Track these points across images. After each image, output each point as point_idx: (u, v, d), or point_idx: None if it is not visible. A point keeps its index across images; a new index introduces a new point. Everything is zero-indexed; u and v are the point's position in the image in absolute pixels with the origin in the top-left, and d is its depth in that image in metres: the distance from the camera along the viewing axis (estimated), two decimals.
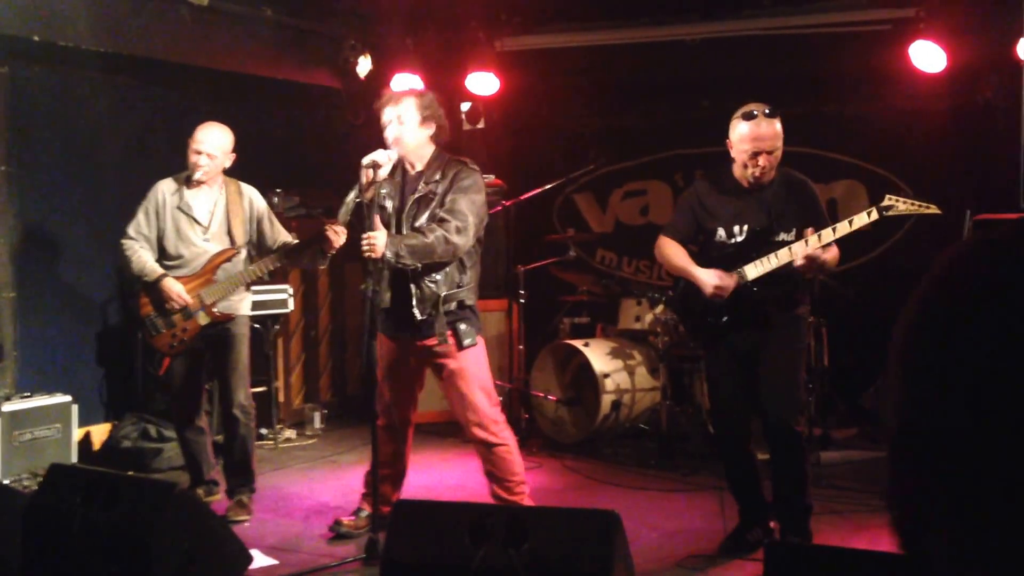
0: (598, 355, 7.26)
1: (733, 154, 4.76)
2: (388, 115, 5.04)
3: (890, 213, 4.60)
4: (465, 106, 8.39)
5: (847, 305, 7.15)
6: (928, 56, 6.62)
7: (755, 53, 7.61)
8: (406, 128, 5.01)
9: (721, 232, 4.84)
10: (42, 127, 6.87)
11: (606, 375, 7.13)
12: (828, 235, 4.58)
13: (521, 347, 7.85)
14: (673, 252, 4.96)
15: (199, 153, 5.55)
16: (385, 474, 5.18)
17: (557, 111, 8.92)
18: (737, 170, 4.79)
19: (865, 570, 2.77)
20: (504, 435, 5.11)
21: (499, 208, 7.32)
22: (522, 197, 7.58)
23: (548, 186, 7.67)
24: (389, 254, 4.77)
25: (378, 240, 4.77)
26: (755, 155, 4.64)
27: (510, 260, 8.13)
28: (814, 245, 4.56)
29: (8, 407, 6.08)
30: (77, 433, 6.51)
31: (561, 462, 6.99)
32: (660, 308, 7.16)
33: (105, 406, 7.31)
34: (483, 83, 7.92)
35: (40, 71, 6.83)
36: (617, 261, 8.90)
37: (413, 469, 5.54)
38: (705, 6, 7.46)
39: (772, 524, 4.93)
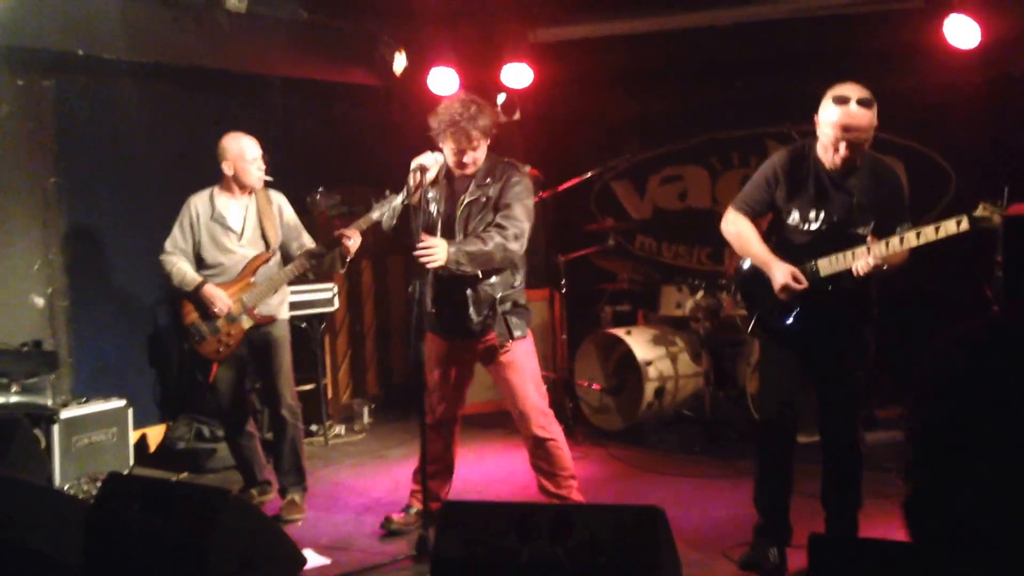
0: (640, 343, 7.31)
1: (818, 133, 4.41)
2: (460, 142, 4.94)
3: (983, 225, 4.04)
4: (501, 98, 8.43)
5: (890, 277, 7.13)
6: (962, 31, 6.55)
7: (788, 34, 7.58)
8: (479, 153, 5.01)
9: (796, 215, 4.50)
10: (88, 138, 7.01)
11: (649, 362, 7.18)
12: (911, 239, 4.18)
13: (564, 336, 7.92)
14: (748, 233, 4.62)
15: (257, 162, 5.75)
16: (434, 470, 5.26)
17: (592, 100, 8.93)
18: (820, 150, 4.44)
19: (912, 565, 2.77)
20: (554, 429, 5.16)
21: (537, 199, 7.36)
22: (560, 188, 7.61)
23: (585, 175, 7.70)
24: (451, 262, 4.80)
25: (439, 249, 4.78)
26: (839, 142, 4.29)
27: (550, 250, 8.19)
28: (895, 248, 4.21)
29: (65, 413, 6.22)
30: (133, 436, 6.66)
31: (606, 450, 7.05)
32: (701, 294, 7.18)
33: (159, 408, 7.48)
34: (518, 75, 7.96)
35: (85, 83, 6.98)
36: (657, 247, 8.93)
37: (460, 462, 5.62)
38: None
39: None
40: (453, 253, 4.80)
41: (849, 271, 4.32)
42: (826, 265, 4.40)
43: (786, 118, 6.40)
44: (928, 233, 4.12)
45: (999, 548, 1.15)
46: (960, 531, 1.20)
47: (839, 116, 4.26)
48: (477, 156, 5.02)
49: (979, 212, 4.03)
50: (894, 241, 4.20)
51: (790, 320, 4.53)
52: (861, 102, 4.25)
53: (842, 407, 4.54)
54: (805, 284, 4.40)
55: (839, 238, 4.38)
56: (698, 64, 8.27)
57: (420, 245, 4.79)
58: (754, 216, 4.67)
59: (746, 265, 4.75)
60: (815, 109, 4.41)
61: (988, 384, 1.10)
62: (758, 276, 4.61)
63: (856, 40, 7.42)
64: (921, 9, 6.91)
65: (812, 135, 4.50)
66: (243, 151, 5.73)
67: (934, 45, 6.69)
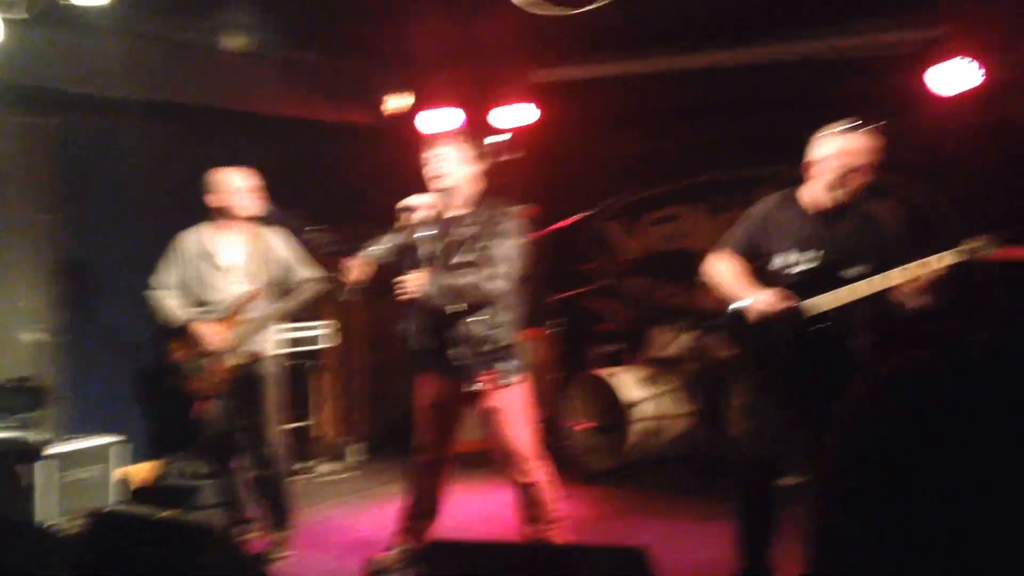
0: (629, 383, 7.32)
1: (814, 173, 4.36)
2: (435, 159, 5.06)
3: (978, 256, 4.04)
4: (498, 138, 8.49)
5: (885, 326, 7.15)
6: (957, 75, 6.63)
7: (786, 77, 7.64)
8: (459, 178, 5.07)
9: (779, 260, 4.46)
10: (90, 176, 7.06)
11: (637, 403, 7.18)
12: (916, 270, 4.10)
13: (553, 376, 7.92)
14: (727, 270, 4.59)
15: (247, 194, 5.75)
16: (420, 510, 5.25)
17: (589, 140, 8.98)
18: (817, 192, 4.38)
19: None
20: (539, 473, 5.13)
21: (531, 238, 7.39)
22: (554, 227, 7.65)
23: (580, 215, 7.74)
24: (427, 298, 4.84)
25: (417, 284, 4.84)
26: (847, 172, 4.26)
27: (541, 290, 8.20)
28: (896, 280, 4.14)
29: (56, 449, 6.21)
30: (122, 472, 6.63)
31: (594, 490, 7.05)
32: (691, 334, 7.20)
33: (149, 445, 7.46)
34: (516, 114, 8.02)
35: (88, 121, 7.03)
36: (648, 288, 8.95)
37: (449, 501, 5.59)
38: (736, 33, 7.49)
39: None
40: (431, 288, 4.85)
41: (836, 312, 4.26)
42: (820, 302, 4.32)
43: (783, 160, 6.45)
44: (950, 257, 4.05)
45: None
46: None
47: (842, 143, 4.27)
48: (456, 182, 5.05)
49: (968, 246, 4.04)
50: (876, 280, 4.16)
51: (778, 354, 4.45)
52: (858, 128, 4.27)
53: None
54: (793, 300, 4.32)
55: (825, 281, 4.32)
56: (696, 105, 8.33)
57: (402, 280, 4.85)
58: (744, 257, 4.63)
59: (733, 304, 4.65)
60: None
61: (935, 429, 1.00)
62: (743, 314, 4.54)
63: (855, 84, 7.46)
64: (917, 53, 6.97)
65: (800, 181, 4.47)
66: (227, 182, 5.74)
67: (930, 89, 6.76)
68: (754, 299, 4.41)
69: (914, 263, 4.10)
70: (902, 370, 1.07)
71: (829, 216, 4.37)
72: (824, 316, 4.32)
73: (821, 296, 4.32)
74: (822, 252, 4.37)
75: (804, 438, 4.54)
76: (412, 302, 4.88)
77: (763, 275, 4.54)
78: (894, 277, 4.14)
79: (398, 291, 4.85)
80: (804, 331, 4.35)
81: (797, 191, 4.51)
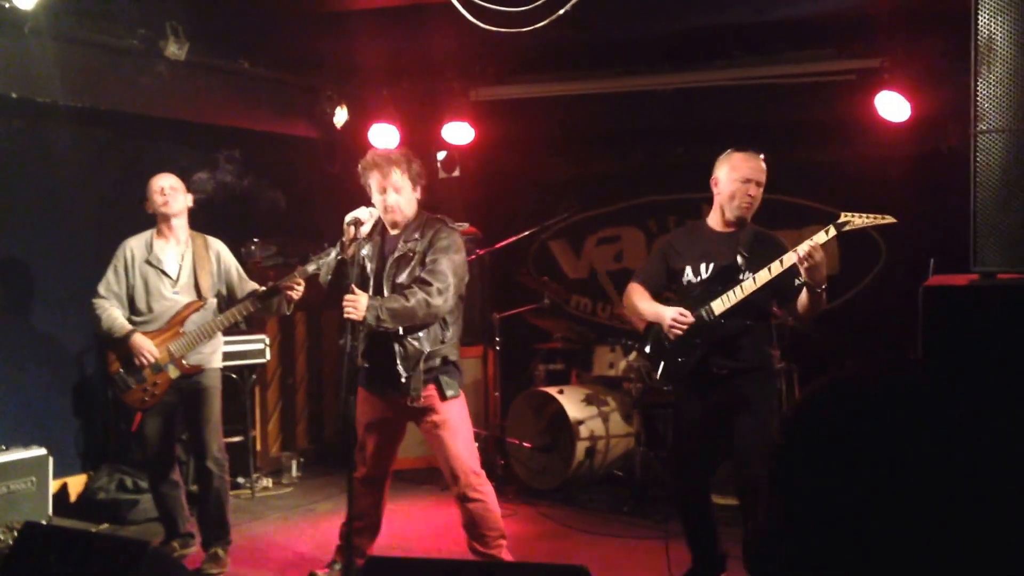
0: (572, 402, 7.32)
1: (719, 190, 4.87)
2: (381, 182, 5.03)
3: (847, 229, 4.58)
4: (440, 155, 8.49)
5: (816, 349, 7.23)
6: (893, 106, 6.73)
7: (726, 102, 7.71)
8: (403, 197, 5.05)
9: (689, 271, 4.91)
10: (20, 181, 6.92)
11: (580, 422, 7.19)
12: (789, 258, 4.58)
13: (496, 394, 7.91)
14: (637, 295, 5.05)
15: (163, 192, 5.67)
16: (361, 526, 5.20)
17: (531, 159, 9.01)
18: (721, 208, 4.88)
19: None
20: (484, 489, 5.11)
21: (474, 256, 7.39)
22: (497, 245, 7.64)
23: (523, 234, 7.74)
24: (370, 318, 4.79)
25: (360, 303, 4.79)
26: (747, 182, 4.77)
27: (485, 307, 8.20)
28: (771, 273, 4.62)
29: None
30: (53, 485, 6.51)
31: (536, 509, 7.03)
32: (634, 355, 7.23)
33: (81, 457, 7.32)
34: (458, 132, 8.00)
35: (18, 126, 6.89)
36: (592, 307, 8.98)
37: (389, 517, 5.56)
38: (676, 57, 7.56)
39: None
40: (374, 308, 4.80)
41: (740, 308, 4.70)
42: (719, 304, 4.76)
43: None
44: (817, 238, 4.50)
45: None
46: None
47: (743, 159, 4.79)
48: (401, 201, 5.04)
49: (841, 219, 4.58)
50: (788, 256, 4.58)
51: (698, 353, 4.82)
52: (757, 152, 4.82)
53: (755, 436, 4.67)
54: (690, 317, 4.77)
55: (729, 283, 4.76)
56: (638, 127, 8.39)
57: (345, 298, 4.79)
58: (653, 288, 5.08)
59: (652, 331, 5.06)
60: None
61: (877, 446, 1.01)
62: (658, 332, 4.97)
63: (793, 111, 7.57)
64: (855, 82, 7.08)
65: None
66: (152, 183, 5.71)
67: (867, 118, 6.87)
68: (664, 310, 4.88)
69: (802, 244, 4.50)
70: (834, 384, 1.10)
71: (731, 235, 4.88)
72: (728, 313, 4.75)
73: (717, 299, 4.77)
74: (721, 259, 4.84)
75: (727, 456, 4.98)
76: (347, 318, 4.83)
77: (678, 291, 5.04)
78: (774, 268, 4.62)
79: (346, 310, 4.79)
80: (710, 333, 4.79)
81: (704, 216, 5.05)
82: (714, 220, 4.95)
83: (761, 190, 4.82)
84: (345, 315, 4.80)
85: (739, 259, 4.76)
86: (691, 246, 4.97)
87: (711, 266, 4.85)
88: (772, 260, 4.66)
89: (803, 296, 4.62)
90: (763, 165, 4.82)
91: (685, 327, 4.78)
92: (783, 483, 1.06)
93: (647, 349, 5.11)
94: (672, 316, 4.80)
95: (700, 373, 4.85)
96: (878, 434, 1.01)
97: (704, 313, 4.78)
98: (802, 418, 1.08)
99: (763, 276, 4.65)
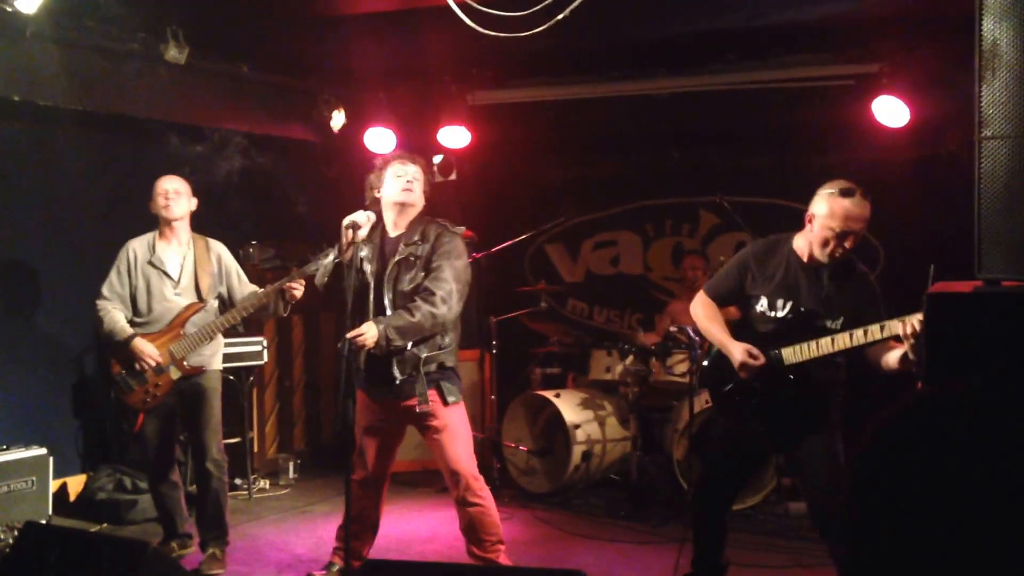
0: (569, 406, 7.34)
1: (814, 227, 4.39)
2: (403, 168, 5.11)
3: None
4: (437, 159, 8.51)
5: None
6: (891, 110, 6.75)
7: (724, 106, 7.73)
8: (416, 190, 5.10)
9: (764, 302, 4.56)
10: (22, 183, 6.96)
11: (577, 426, 7.21)
12: (892, 328, 4.09)
13: (493, 397, 7.93)
14: (709, 315, 4.73)
15: (166, 196, 5.71)
16: (358, 529, 5.22)
17: (528, 163, 9.05)
18: (811, 244, 4.44)
19: None
20: (484, 493, 5.12)
21: (471, 260, 7.41)
22: (494, 249, 7.67)
23: (520, 238, 7.77)
24: (381, 340, 4.81)
25: (368, 333, 4.80)
26: (843, 235, 4.31)
27: (482, 311, 8.22)
28: (859, 340, 4.19)
29: None
30: (53, 485, 6.54)
31: (532, 512, 7.05)
32: (630, 359, 7.25)
33: (81, 457, 7.35)
34: (455, 136, 8.02)
35: (21, 129, 6.93)
36: (588, 311, 9.02)
37: (386, 519, 5.58)
38: (673, 61, 7.58)
39: None
40: (382, 331, 4.82)
41: (813, 362, 4.34)
42: (790, 354, 4.42)
43: (719, 189, 6.55)
44: (913, 319, 4.00)
45: None
46: None
47: (846, 207, 4.29)
48: (415, 191, 5.09)
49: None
50: (858, 333, 4.19)
51: (755, 401, 4.56)
52: (863, 195, 4.31)
53: (824, 472, 4.44)
54: (762, 359, 4.44)
55: (806, 328, 4.40)
56: (634, 132, 8.42)
57: (349, 335, 4.78)
58: (722, 303, 4.79)
59: (715, 348, 4.80)
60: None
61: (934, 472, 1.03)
62: (721, 359, 4.67)
63: (790, 115, 7.59)
64: (853, 87, 7.10)
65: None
66: (158, 184, 5.76)
67: (865, 123, 6.89)
68: (736, 350, 4.52)
69: (875, 325, 4.13)
70: (901, 412, 1.12)
71: (815, 269, 4.46)
72: (797, 366, 4.42)
73: (790, 348, 4.42)
74: (801, 300, 4.47)
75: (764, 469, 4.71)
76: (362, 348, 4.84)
77: (747, 314, 4.69)
78: (857, 337, 4.20)
79: (356, 342, 4.78)
80: (776, 383, 4.47)
81: (790, 237, 4.60)
82: (800, 246, 4.52)
83: (864, 227, 4.36)
84: (359, 345, 4.79)
85: (819, 306, 4.41)
86: (771, 273, 4.56)
87: (788, 305, 4.49)
88: (858, 311, 4.31)
89: (891, 359, 4.22)
90: (867, 212, 4.31)
91: (755, 371, 4.48)
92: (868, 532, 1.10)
93: (705, 363, 4.90)
94: (741, 359, 4.49)
95: (756, 416, 4.62)
96: (970, 459, 1.03)
97: (773, 357, 4.47)
98: (881, 457, 1.11)
99: (844, 341, 4.24)
